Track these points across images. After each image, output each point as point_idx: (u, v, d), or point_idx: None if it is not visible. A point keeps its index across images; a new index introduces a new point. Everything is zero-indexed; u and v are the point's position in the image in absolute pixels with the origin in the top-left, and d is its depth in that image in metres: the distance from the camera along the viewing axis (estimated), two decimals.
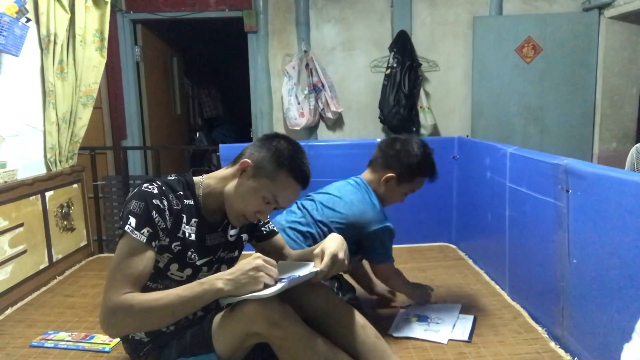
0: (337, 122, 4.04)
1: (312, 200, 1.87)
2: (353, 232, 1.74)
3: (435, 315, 1.87)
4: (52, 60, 2.48)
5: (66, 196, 2.63)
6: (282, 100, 3.93)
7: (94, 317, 1.94)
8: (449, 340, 1.70)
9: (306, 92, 3.81)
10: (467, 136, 3.78)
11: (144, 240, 1.21)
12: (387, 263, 1.85)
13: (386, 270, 1.87)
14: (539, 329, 1.77)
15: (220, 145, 2.81)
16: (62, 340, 1.75)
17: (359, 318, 1.38)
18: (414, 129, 3.74)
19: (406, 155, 1.81)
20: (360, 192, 1.83)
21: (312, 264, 1.35)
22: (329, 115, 3.91)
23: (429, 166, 1.83)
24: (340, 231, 1.65)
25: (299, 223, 1.79)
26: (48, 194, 2.46)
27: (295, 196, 1.36)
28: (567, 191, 1.57)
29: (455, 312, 1.90)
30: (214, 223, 1.39)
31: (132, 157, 4.05)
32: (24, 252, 2.24)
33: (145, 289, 1.26)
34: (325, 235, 1.70)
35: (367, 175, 1.90)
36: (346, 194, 1.83)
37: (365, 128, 4.05)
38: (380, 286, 2.02)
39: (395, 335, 1.73)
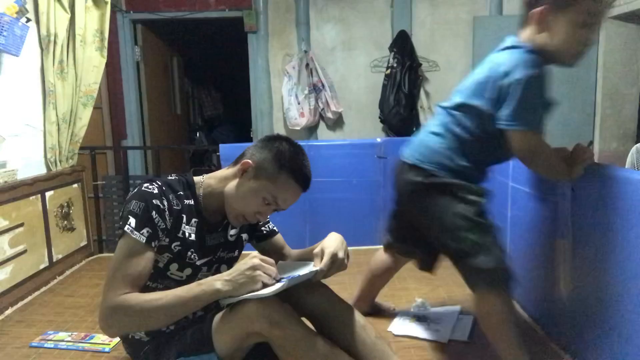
0: (337, 122, 4.04)
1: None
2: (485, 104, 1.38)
3: (435, 315, 1.87)
4: (52, 60, 2.48)
5: (66, 196, 2.63)
6: (282, 100, 3.93)
7: (94, 317, 1.94)
8: (449, 340, 1.70)
9: (306, 92, 3.81)
10: None
11: (144, 241, 1.21)
12: (519, 130, 1.33)
13: (519, 141, 1.34)
14: (539, 329, 1.77)
15: (221, 145, 2.81)
16: (62, 341, 1.75)
17: (359, 318, 1.38)
18: (415, 129, 3.75)
19: None
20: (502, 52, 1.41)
21: (311, 263, 1.35)
22: (329, 115, 3.91)
23: None
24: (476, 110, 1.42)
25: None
26: (48, 194, 2.46)
27: (296, 198, 1.35)
28: (571, 190, 1.57)
29: (455, 312, 1.90)
30: (214, 223, 1.39)
31: (132, 157, 4.06)
32: (24, 252, 2.24)
33: (144, 288, 1.26)
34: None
35: (520, 36, 1.43)
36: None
37: (365, 128, 4.05)
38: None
39: (395, 334, 1.73)
